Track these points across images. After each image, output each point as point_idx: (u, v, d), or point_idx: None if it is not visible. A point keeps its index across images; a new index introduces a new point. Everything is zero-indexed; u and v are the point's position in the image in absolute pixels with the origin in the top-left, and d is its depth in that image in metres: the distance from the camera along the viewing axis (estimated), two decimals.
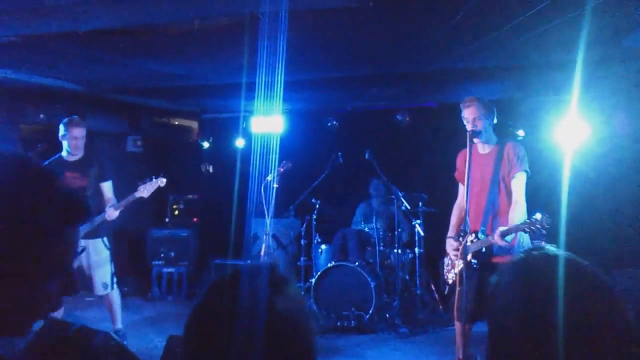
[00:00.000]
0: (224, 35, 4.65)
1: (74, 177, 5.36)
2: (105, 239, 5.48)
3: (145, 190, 5.41)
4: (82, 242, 5.26)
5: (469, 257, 4.34)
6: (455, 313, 4.43)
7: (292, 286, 1.20)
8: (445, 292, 4.75)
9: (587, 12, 3.80)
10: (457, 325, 4.51)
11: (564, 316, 1.07)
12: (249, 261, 7.92)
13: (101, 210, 5.35)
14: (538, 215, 3.91)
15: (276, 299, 1.10)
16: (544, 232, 3.95)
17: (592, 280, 1.13)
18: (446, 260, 4.72)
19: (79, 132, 5.36)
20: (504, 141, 4.52)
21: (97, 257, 5.41)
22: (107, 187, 5.50)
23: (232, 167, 8.13)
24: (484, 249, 4.27)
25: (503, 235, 4.10)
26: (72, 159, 5.42)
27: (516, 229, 4.09)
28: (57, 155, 5.46)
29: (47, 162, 5.39)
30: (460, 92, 7.29)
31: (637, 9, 4.00)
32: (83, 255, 5.32)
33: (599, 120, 6.72)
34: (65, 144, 5.37)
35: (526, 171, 4.39)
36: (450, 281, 4.63)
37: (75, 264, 5.30)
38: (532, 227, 3.93)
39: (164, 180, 5.50)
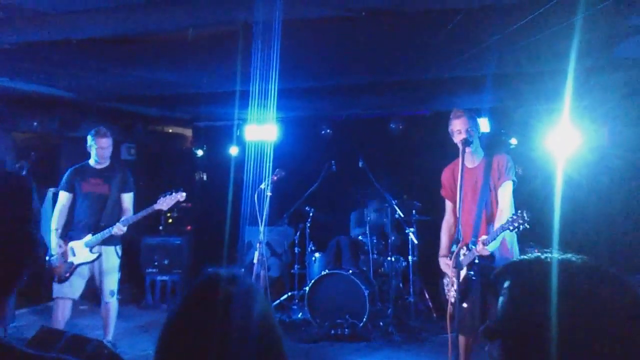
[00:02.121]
0: (218, 44, 4.67)
1: (96, 184, 5.53)
2: (117, 247, 5.57)
3: (164, 203, 5.49)
4: (97, 249, 5.42)
5: (464, 270, 4.33)
6: (458, 326, 4.38)
7: (258, 293, 1.21)
8: (449, 312, 4.41)
9: (578, 22, 3.84)
10: (461, 338, 4.49)
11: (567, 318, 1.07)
12: (242, 270, 7.91)
13: (119, 220, 5.45)
14: (518, 212, 3.92)
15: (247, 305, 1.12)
16: (527, 226, 3.91)
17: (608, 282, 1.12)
18: (445, 281, 4.66)
19: (106, 142, 5.53)
20: (492, 153, 4.51)
21: (109, 264, 5.51)
22: (127, 198, 5.63)
23: (225, 175, 8.14)
24: (476, 260, 4.25)
25: (485, 243, 4.10)
26: (98, 166, 5.58)
27: (495, 234, 4.08)
28: (84, 162, 5.63)
29: (73, 167, 5.60)
30: (453, 100, 7.34)
31: (627, 19, 4.04)
32: (96, 261, 5.44)
33: (591, 128, 6.76)
34: (93, 153, 5.54)
35: (513, 180, 4.38)
36: (453, 299, 4.54)
37: (91, 270, 5.48)
38: (511, 226, 3.91)
39: (184, 195, 5.57)
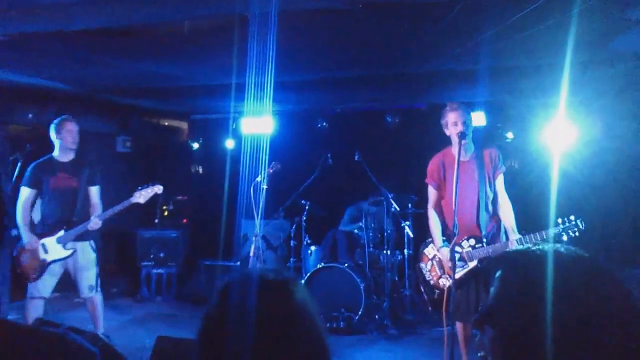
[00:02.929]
0: (214, 36, 4.65)
1: (66, 178, 5.34)
2: (92, 242, 5.43)
3: (141, 197, 5.37)
4: (71, 245, 5.26)
5: (474, 262, 4.38)
6: (454, 312, 4.43)
7: (299, 285, 1.22)
8: (435, 297, 4.62)
9: (574, 16, 3.83)
10: (458, 325, 4.55)
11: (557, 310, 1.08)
12: (238, 263, 7.92)
13: (90, 214, 5.33)
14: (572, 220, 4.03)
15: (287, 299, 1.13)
16: (577, 234, 4.04)
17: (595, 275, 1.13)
18: (426, 265, 4.72)
19: (73, 125, 5.38)
20: (481, 146, 4.60)
21: (84, 259, 5.36)
22: (94, 192, 5.47)
23: (221, 168, 8.12)
24: (490, 254, 4.32)
25: (520, 243, 4.20)
26: (64, 159, 5.39)
27: (540, 236, 4.15)
28: (48, 156, 5.42)
29: (37, 162, 5.38)
30: (449, 94, 7.34)
31: (623, 13, 4.04)
32: (70, 257, 5.30)
33: (587, 122, 6.77)
34: (58, 143, 5.35)
35: (504, 170, 4.57)
36: (443, 286, 4.55)
37: (64, 267, 5.32)
38: (564, 232, 4.03)
39: (161, 187, 5.45)
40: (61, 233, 5.25)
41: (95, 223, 5.25)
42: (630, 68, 5.78)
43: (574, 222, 4.04)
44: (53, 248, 5.25)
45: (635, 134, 6.65)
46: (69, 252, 5.26)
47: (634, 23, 4.28)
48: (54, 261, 5.25)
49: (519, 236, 4.25)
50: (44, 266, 5.22)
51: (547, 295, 1.10)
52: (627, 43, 4.85)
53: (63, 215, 5.30)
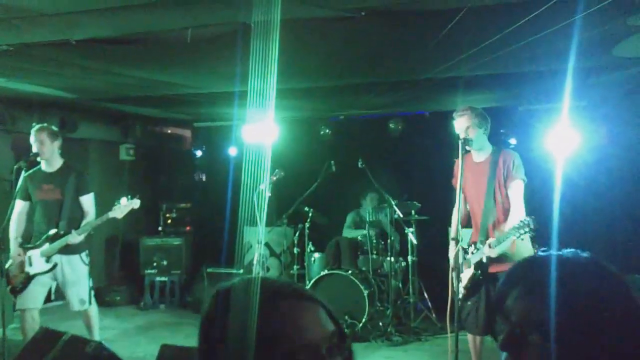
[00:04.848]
0: (217, 44, 4.66)
1: (48, 190, 5.23)
2: (83, 254, 5.28)
3: (119, 211, 5.22)
4: (56, 258, 5.16)
5: (472, 269, 4.34)
6: (463, 324, 4.39)
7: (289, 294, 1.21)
8: (450, 310, 4.38)
9: (577, 22, 3.83)
10: (469, 337, 4.53)
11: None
12: (241, 270, 7.91)
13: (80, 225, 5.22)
14: (525, 220, 3.93)
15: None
16: (532, 234, 3.92)
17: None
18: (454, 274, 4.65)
19: (37, 135, 5.19)
20: (499, 149, 4.54)
21: (73, 273, 5.22)
22: (86, 201, 5.31)
23: (224, 176, 8.14)
24: (484, 260, 4.26)
25: (492, 245, 4.12)
26: (49, 169, 5.27)
27: (502, 238, 4.09)
28: (37, 167, 5.33)
29: (27, 174, 5.28)
30: (452, 100, 7.33)
31: (627, 19, 4.04)
32: (58, 270, 5.18)
33: (590, 128, 6.76)
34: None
35: (523, 179, 4.41)
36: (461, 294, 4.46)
37: (53, 279, 5.23)
38: (517, 233, 3.92)
39: (138, 202, 5.31)
40: (45, 246, 5.14)
41: (74, 238, 5.11)
42: (634, 74, 5.78)
43: (525, 222, 3.93)
44: (37, 261, 5.15)
45: (639, 140, 6.64)
46: (50, 265, 5.13)
47: (637, 29, 4.28)
48: (37, 274, 5.14)
49: (492, 240, 4.19)
50: (28, 279, 5.12)
51: (554, 300, 1.08)
52: (630, 49, 4.85)
53: (48, 228, 5.18)
